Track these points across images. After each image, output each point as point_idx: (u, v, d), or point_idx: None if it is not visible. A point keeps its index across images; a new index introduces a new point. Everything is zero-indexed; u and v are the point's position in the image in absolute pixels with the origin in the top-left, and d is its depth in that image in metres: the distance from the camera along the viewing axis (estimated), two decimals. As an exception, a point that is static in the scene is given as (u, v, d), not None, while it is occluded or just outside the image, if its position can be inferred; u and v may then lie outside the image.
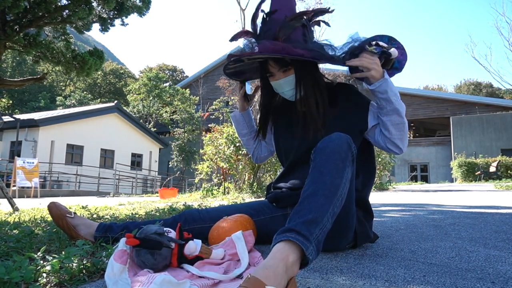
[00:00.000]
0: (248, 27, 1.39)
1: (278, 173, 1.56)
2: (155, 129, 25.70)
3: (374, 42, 1.24)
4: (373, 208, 1.41)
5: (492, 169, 15.05)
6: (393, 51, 1.26)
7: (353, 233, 1.27)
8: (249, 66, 1.45)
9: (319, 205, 0.93)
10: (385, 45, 1.25)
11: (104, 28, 6.51)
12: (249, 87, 1.59)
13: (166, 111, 25.72)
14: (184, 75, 44.36)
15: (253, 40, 1.31)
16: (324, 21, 1.38)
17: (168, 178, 17.14)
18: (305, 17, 1.31)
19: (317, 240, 0.89)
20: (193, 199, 5.95)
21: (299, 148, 1.38)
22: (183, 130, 22.03)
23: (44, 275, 1.00)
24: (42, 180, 14.61)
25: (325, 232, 0.93)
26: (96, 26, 7.23)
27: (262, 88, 1.46)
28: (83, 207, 3.21)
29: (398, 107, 1.27)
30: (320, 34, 11.92)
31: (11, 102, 36.38)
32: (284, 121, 1.48)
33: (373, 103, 1.37)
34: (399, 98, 1.28)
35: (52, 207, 1.41)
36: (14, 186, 11.07)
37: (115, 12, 6.44)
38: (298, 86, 1.33)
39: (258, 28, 1.33)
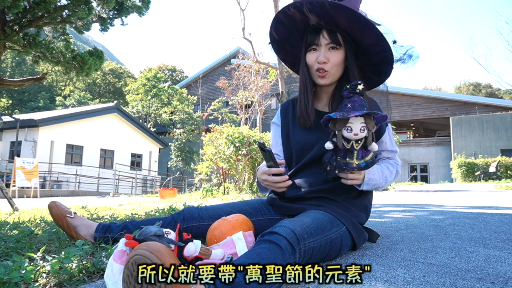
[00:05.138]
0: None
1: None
2: (155, 129, 25.69)
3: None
4: (373, 208, 1.41)
5: (492, 169, 15.06)
6: (373, 147, 1.19)
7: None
8: (299, 30, 1.36)
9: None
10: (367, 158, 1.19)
11: (104, 28, 6.52)
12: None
13: (165, 112, 25.70)
14: (184, 75, 44.35)
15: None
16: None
17: (168, 178, 17.13)
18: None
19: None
20: (193, 199, 5.94)
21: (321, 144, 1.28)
22: (182, 130, 22.02)
23: (44, 275, 1.00)
24: (42, 180, 14.60)
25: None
26: (95, 26, 7.25)
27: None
28: (83, 207, 3.20)
29: (384, 185, 1.35)
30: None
31: (10, 102, 36.42)
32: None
33: (389, 126, 1.41)
34: (383, 179, 1.32)
35: (53, 207, 1.41)
36: (13, 186, 11.06)
37: (115, 12, 6.45)
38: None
39: None
